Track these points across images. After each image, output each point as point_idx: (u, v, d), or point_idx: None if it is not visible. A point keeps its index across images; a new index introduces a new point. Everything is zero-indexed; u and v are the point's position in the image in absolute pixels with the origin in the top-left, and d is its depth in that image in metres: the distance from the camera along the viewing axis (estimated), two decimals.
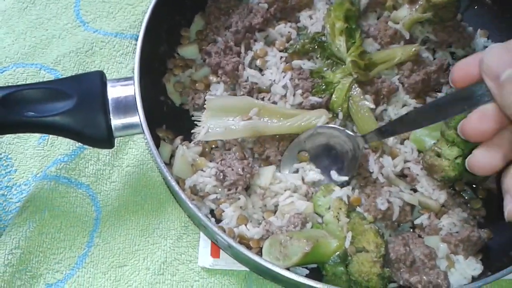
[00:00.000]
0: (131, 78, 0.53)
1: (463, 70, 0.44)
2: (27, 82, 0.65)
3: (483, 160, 0.43)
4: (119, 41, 0.68)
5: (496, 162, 0.42)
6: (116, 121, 0.52)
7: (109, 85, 0.53)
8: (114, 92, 0.53)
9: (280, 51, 0.63)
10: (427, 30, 0.63)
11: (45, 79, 0.65)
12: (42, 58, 0.67)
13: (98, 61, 0.67)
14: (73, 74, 0.65)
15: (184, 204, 0.48)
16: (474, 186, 0.57)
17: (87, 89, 0.51)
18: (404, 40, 0.62)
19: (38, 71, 0.66)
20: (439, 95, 0.60)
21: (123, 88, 0.53)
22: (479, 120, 0.42)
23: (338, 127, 0.56)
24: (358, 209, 0.53)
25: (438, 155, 0.53)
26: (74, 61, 0.66)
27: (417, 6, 0.61)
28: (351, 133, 0.55)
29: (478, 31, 0.65)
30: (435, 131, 0.55)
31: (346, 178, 0.55)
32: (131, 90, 0.52)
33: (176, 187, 0.48)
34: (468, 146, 0.52)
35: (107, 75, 0.65)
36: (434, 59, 0.63)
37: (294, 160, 0.57)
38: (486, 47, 0.64)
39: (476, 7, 0.66)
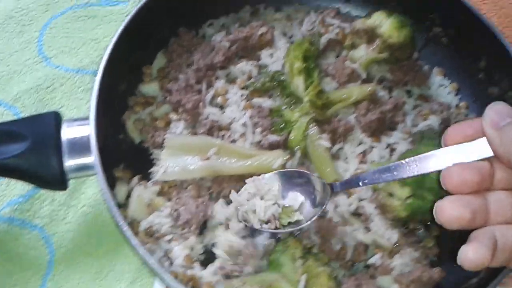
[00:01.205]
0: (87, 118, 0.53)
1: (458, 130, 0.46)
2: None
3: (451, 210, 0.43)
4: (80, 77, 0.68)
5: (463, 215, 0.43)
6: (69, 163, 0.51)
7: (64, 125, 0.53)
8: (69, 132, 0.52)
9: (241, 88, 0.64)
10: (383, 69, 0.65)
11: (3, 116, 0.65)
12: (1, 94, 0.66)
13: (58, 97, 0.67)
14: (33, 111, 0.65)
15: (135, 249, 0.48)
16: (428, 224, 0.58)
17: (42, 131, 0.51)
18: (361, 79, 0.63)
19: None
20: (394, 133, 0.61)
21: (79, 128, 0.53)
22: (461, 170, 0.43)
23: (308, 173, 0.54)
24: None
25: (390, 194, 0.54)
26: (34, 98, 0.66)
27: (374, 46, 0.63)
28: (320, 180, 0.53)
29: (434, 69, 0.67)
30: None
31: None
32: (87, 130, 0.52)
33: (127, 232, 0.48)
34: (420, 187, 0.53)
35: (67, 111, 0.66)
36: (391, 97, 0.64)
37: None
38: (442, 85, 0.66)
39: (432, 46, 0.67)
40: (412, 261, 0.54)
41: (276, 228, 0.51)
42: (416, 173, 0.46)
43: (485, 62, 0.62)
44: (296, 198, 0.53)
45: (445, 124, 0.60)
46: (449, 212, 0.43)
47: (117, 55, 0.58)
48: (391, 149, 0.60)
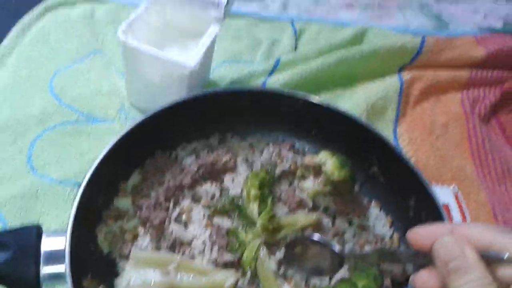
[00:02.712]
0: (64, 232, 0.61)
1: (417, 239, 0.52)
2: None
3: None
4: (61, 188, 0.77)
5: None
6: (44, 272, 0.58)
7: (44, 237, 0.60)
8: (47, 244, 0.60)
9: (204, 207, 0.73)
10: (328, 199, 0.75)
11: None
12: None
13: (40, 205, 0.74)
14: (16, 217, 0.72)
15: None
16: None
17: (24, 242, 0.59)
18: (309, 207, 0.73)
19: None
20: None
21: (56, 240, 0.60)
22: (428, 276, 0.51)
23: (323, 241, 0.63)
24: None
25: None
26: (19, 205, 0.73)
27: (319, 180, 0.73)
28: (336, 247, 0.62)
29: (372, 202, 0.77)
30: None
31: None
32: (63, 243, 0.60)
33: None
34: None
35: (48, 218, 0.74)
36: (334, 224, 0.73)
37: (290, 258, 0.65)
38: (379, 217, 0.76)
39: (370, 182, 0.78)
40: None
41: None
42: None
43: (414, 201, 0.72)
44: None
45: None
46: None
47: (99, 174, 0.67)
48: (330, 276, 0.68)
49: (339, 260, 0.61)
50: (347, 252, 0.63)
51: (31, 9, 1.04)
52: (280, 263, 0.67)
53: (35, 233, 0.60)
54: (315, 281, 0.67)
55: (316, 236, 0.63)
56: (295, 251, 0.65)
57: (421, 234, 0.52)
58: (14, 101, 0.88)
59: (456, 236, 0.49)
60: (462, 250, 0.47)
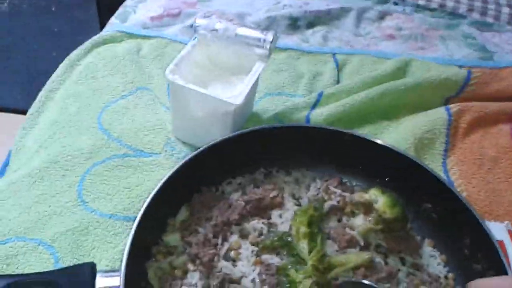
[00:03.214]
0: (118, 271, 0.61)
1: None
2: (25, 256, 0.72)
3: None
4: (112, 222, 0.77)
5: None
6: None
7: (98, 275, 0.61)
8: (101, 282, 0.60)
9: (252, 244, 0.73)
10: (379, 237, 0.73)
11: (41, 254, 0.73)
12: (41, 233, 0.75)
13: (90, 240, 0.75)
14: (68, 251, 0.73)
15: None
16: None
17: (79, 281, 0.59)
18: (360, 245, 0.72)
19: (36, 246, 0.74)
20: None
21: (111, 279, 0.61)
22: None
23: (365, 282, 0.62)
24: None
25: None
26: (70, 239, 0.74)
27: (370, 218, 0.72)
28: None
29: (425, 240, 0.75)
30: None
31: None
32: (117, 281, 0.60)
33: None
34: None
35: (97, 253, 0.74)
36: (386, 263, 0.71)
37: None
38: (433, 255, 0.74)
39: (422, 219, 0.76)
40: None
41: None
42: None
43: (469, 240, 0.70)
44: None
45: None
46: None
47: (151, 210, 0.68)
48: None
49: None
50: None
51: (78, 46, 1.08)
52: None
53: (89, 271, 0.61)
54: None
55: (367, 281, 0.62)
56: None
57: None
58: (63, 136, 0.90)
59: None
60: None
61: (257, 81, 0.85)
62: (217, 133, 0.81)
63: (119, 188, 0.82)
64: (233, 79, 0.87)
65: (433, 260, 0.73)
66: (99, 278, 0.60)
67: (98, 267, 0.62)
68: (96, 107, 0.96)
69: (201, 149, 0.75)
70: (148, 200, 0.68)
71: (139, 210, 0.67)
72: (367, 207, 0.73)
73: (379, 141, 0.77)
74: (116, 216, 0.78)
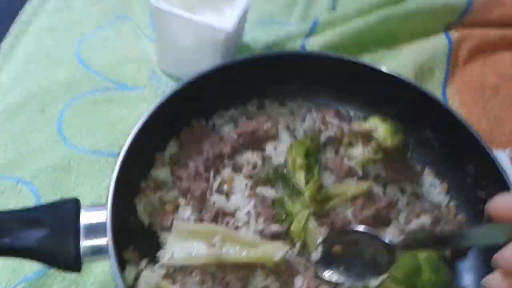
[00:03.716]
0: (104, 205, 0.57)
1: (504, 207, 0.45)
2: (3, 194, 0.68)
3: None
4: (95, 158, 0.73)
5: None
6: (85, 247, 0.55)
7: (83, 211, 0.57)
8: (87, 218, 0.56)
9: (246, 177, 0.69)
10: (378, 167, 0.70)
11: (21, 193, 0.68)
12: (20, 171, 0.70)
13: (73, 177, 0.71)
14: (49, 189, 0.69)
15: None
16: None
17: (62, 217, 0.55)
18: (358, 175, 0.69)
19: (15, 184, 0.69)
20: (388, 230, 0.65)
21: (96, 214, 0.57)
22: None
23: (372, 233, 0.58)
24: None
25: None
26: (51, 177, 0.70)
27: (369, 147, 0.68)
28: (384, 240, 0.57)
29: (426, 169, 0.72)
30: None
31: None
32: (103, 216, 0.56)
33: None
34: (413, 283, 0.56)
35: (82, 190, 0.70)
36: (385, 193, 0.69)
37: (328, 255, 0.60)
38: (433, 185, 0.71)
39: (423, 148, 0.73)
40: None
41: None
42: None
43: (473, 167, 0.67)
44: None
45: (436, 223, 0.64)
46: None
47: (136, 144, 0.63)
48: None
49: (389, 255, 0.55)
50: (399, 242, 0.58)
51: None
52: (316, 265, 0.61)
53: (73, 207, 0.56)
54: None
55: (361, 228, 0.59)
56: (334, 249, 0.60)
57: (505, 203, 0.46)
58: (39, 70, 0.84)
59: None
60: None
61: (247, 6, 0.78)
62: (205, 64, 0.75)
63: (101, 123, 0.77)
64: (222, 5, 0.80)
65: (434, 189, 0.71)
66: (84, 214, 0.56)
67: (82, 204, 0.58)
68: (73, 39, 0.88)
69: (189, 79, 0.70)
70: (133, 133, 0.63)
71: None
72: (366, 137, 0.69)
73: (380, 68, 0.72)
74: (99, 152, 0.74)
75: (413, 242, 0.57)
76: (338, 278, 0.58)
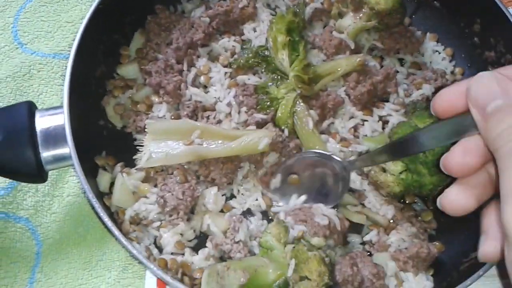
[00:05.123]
0: (61, 107, 0.51)
1: (447, 101, 0.41)
2: None
3: (456, 201, 0.41)
4: (57, 62, 0.66)
5: (469, 203, 0.40)
6: (46, 154, 0.49)
7: (38, 115, 0.50)
8: (43, 123, 0.50)
9: (225, 66, 0.61)
10: (373, 37, 0.62)
11: None
12: None
13: (36, 84, 0.64)
14: (11, 100, 0.63)
15: (119, 241, 0.46)
16: (424, 197, 0.55)
17: (14, 123, 0.49)
18: (350, 49, 0.60)
19: None
20: (386, 105, 0.58)
21: (54, 117, 0.51)
22: (463, 154, 0.39)
23: (325, 152, 0.54)
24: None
25: (384, 170, 0.51)
26: (11, 86, 0.63)
27: (361, 15, 0.59)
28: (338, 159, 0.53)
29: (427, 35, 0.64)
30: (381, 144, 0.54)
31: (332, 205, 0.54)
32: (62, 119, 0.50)
33: (109, 223, 0.46)
34: (413, 161, 0.50)
35: (46, 98, 0.64)
36: (382, 67, 0.61)
37: (285, 184, 0.56)
38: (436, 51, 0.63)
39: (423, 11, 0.64)
40: (410, 236, 0.52)
41: None
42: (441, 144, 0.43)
43: (480, 25, 0.58)
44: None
45: None
46: (456, 204, 0.41)
47: (90, 37, 0.55)
48: (384, 121, 0.58)
49: (343, 174, 0.52)
50: (353, 160, 0.54)
51: None
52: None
53: (26, 111, 0.50)
54: None
55: (313, 152, 0.55)
56: (293, 176, 0.56)
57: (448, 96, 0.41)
58: None
59: (495, 74, 0.37)
60: (505, 87, 0.36)
61: None
62: None
63: (60, 23, 0.69)
64: None
65: (437, 55, 0.62)
66: (39, 118, 0.50)
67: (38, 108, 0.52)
68: None
69: None
70: (84, 22, 0.55)
71: None
72: (357, 2, 0.59)
73: None
74: (61, 55, 0.66)
75: (367, 157, 0.51)
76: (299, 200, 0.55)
